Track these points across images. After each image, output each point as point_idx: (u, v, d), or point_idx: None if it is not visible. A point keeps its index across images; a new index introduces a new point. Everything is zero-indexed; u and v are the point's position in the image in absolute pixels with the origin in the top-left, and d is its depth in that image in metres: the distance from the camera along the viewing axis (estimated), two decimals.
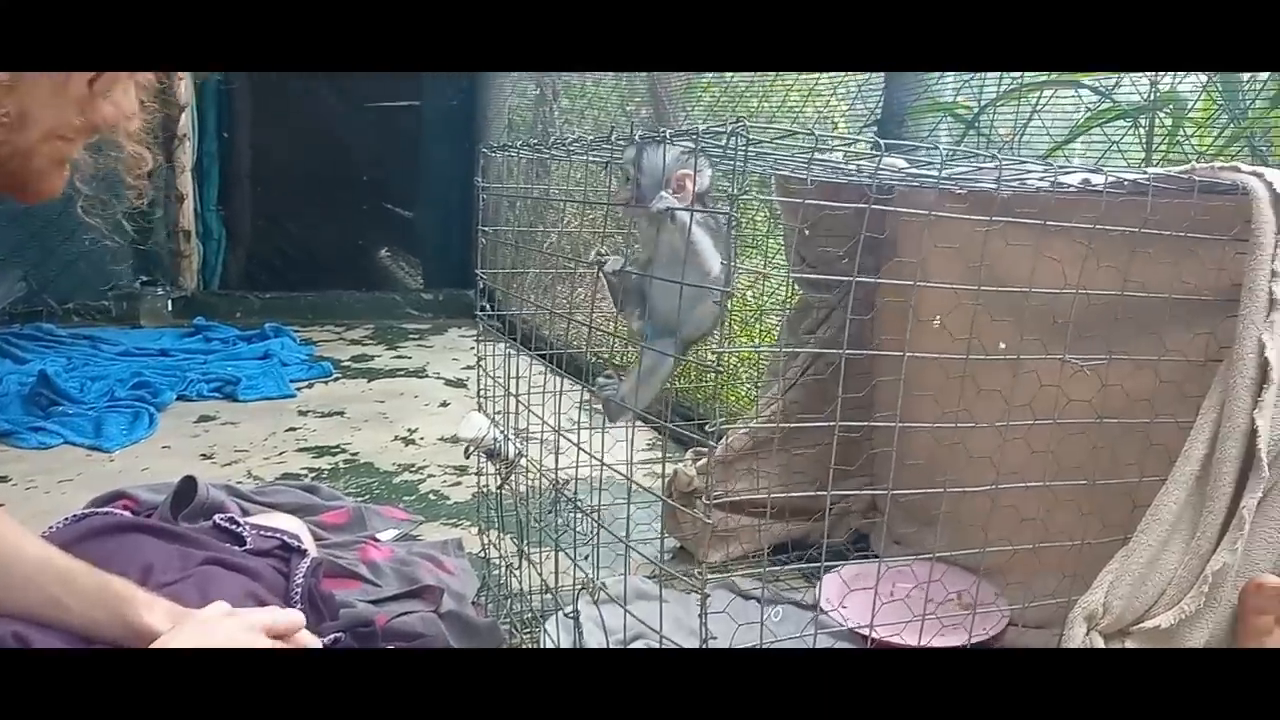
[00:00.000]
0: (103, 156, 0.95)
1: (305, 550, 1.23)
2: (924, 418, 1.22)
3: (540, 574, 1.28)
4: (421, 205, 4.52)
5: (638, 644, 1.29)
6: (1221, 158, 1.32)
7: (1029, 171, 1.04)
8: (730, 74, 2.59)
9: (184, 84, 3.85)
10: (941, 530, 1.10)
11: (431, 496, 1.99)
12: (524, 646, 1.36)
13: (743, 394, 2.19)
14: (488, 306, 1.44)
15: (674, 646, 0.96)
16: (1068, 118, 1.61)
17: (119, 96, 0.87)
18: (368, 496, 1.97)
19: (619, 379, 1.23)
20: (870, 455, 1.58)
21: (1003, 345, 1.14)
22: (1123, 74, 1.46)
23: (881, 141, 0.88)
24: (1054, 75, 1.56)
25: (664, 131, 1.00)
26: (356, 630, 1.24)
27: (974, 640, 1.13)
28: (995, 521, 1.06)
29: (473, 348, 1.46)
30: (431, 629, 1.31)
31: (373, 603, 1.37)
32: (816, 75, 2.22)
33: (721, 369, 0.87)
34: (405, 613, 1.34)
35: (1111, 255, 1.04)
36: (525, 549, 1.32)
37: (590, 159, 1.24)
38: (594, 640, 1.26)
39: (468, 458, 1.39)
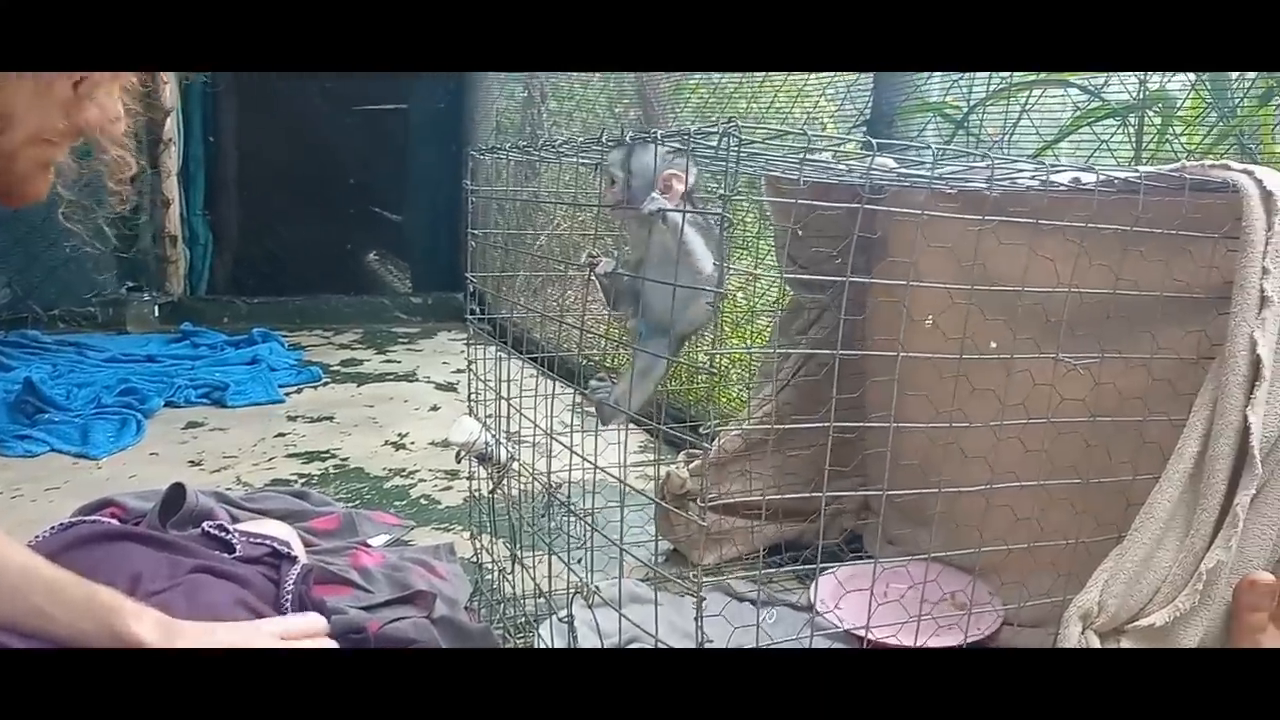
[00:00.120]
0: (86, 161, 0.94)
1: (295, 557, 1.22)
2: (917, 417, 1.21)
3: (533, 578, 1.27)
4: (409, 208, 4.50)
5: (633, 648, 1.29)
6: (1211, 155, 1.33)
7: (1020, 171, 1.04)
8: (718, 75, 2.59)
9: (169, 88, 3.83)
10: (936, 530, 1.09)
11: (423, 501, 1.98)
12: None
13: (734, 395, 2.19)
14: (477, 310, 1.43)
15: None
16: (1054, 118, 1.62)
17: (103, 99, 0.86)
18: (358, 502, 1.95)
19: (612, 382, 1.23)
20: (863, 455, 1.58)
21: (994, 344, 1.14)
22: (1112, 73, 1.47)
23: (874, 141, 0.87)
24: (1043, 75, 1.56)
25: (653, 132, 0.99)
26: (348, 637, 1.23)
27: (969, 640, 1.13)
28: (990, 521, 1.06)
29: (462, 351, 1.45)
30: (424, 635, 1.30)
31: (364, 609, 1.35)
32: (805, 76, 2.22)
33: (715, 371, 0.86)
34: (398, 619, 1.33)
35: (1104, 253, 1.04)
36: (518, 553, 1.31)
37: (580, 161, 1.24)
38: (588, 644, 1.26)
39: (459, 462, 1.39)
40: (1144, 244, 1.01)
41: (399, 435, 2.46)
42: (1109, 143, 1.48)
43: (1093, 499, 1.09)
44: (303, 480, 2.09)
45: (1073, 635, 0.94)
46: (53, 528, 1.12)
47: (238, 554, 1.18)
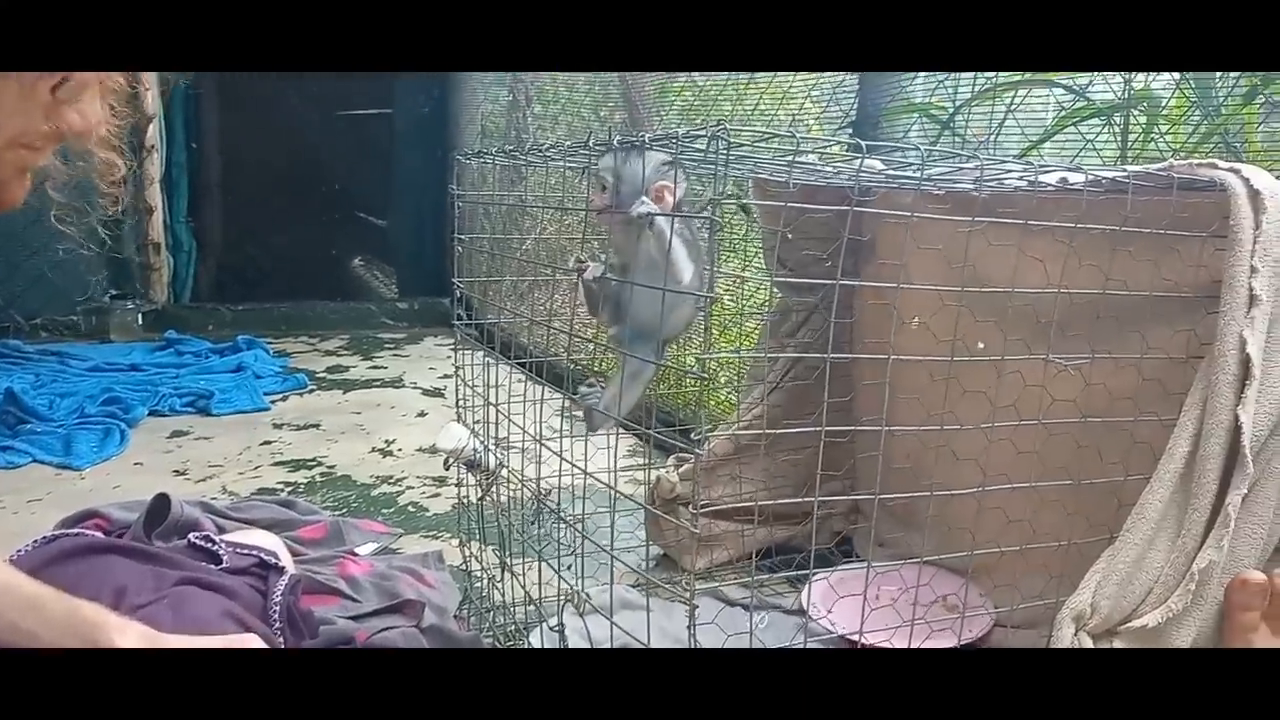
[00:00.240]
0: (74, 165, 0.93)
1: (283, 567, 1.21)
2: (907, 420, 1.21)
3: (523, 585, 1.26)
4: (395, 213, 4.49)
5: None
6: (1196, 154, 1.33)
7: (1009, 171, 1.04)
8: (702, 79, 2.59)
9: (151, 94, 3.80)
10: (928, 533, 1.09)
11: (411, 508, 1.97)
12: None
13: (723, 398, 2.19)
14: (464, 315, 1.42)
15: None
16: (1038, 120, 1.62)
17: (85, 104, 0.85)
18: (345, 510, 1.94)
19: (601, 387, 1.22)
20: (852, 458, 1.58)
21: (981, 345, 1.14)
22: (1098, 73, 1.47)
23: (863, 143, 0.87)
24: (1028, 75, 1.56)
25: (643, 137, 0.99)
26: (337, 647, 1.23)
27: (962, 643, 1.12)
28: (982, 523, 1.06)
29: (449, 356, 1.44)
30: (413, 644, 1.29)
31: (353, 619, 1.35)
32: (790, 79, 2.22)
33: (706, 375, 0.85)
34: (386, 628, 1.32)
35: (1093, 254, 1.03)
36: (507, 560, 1.30)
37: (567, 165, 1.23)
38: None
39: (447, 469, 1.38)
40: (1133, 244, 1.01)
41: (386, 442, 2.45)
42: (1094, 142, 1.48)
43: (1084, 500, 1.09)
44: (289, 489, 2.08)
45: (1065, 637, 0.94)
46: (35, 541, 1.11)
47: (224, 565, 1.17)
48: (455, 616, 1.44)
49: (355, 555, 1.60)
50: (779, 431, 1.27)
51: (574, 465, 1.08)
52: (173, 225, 4.04)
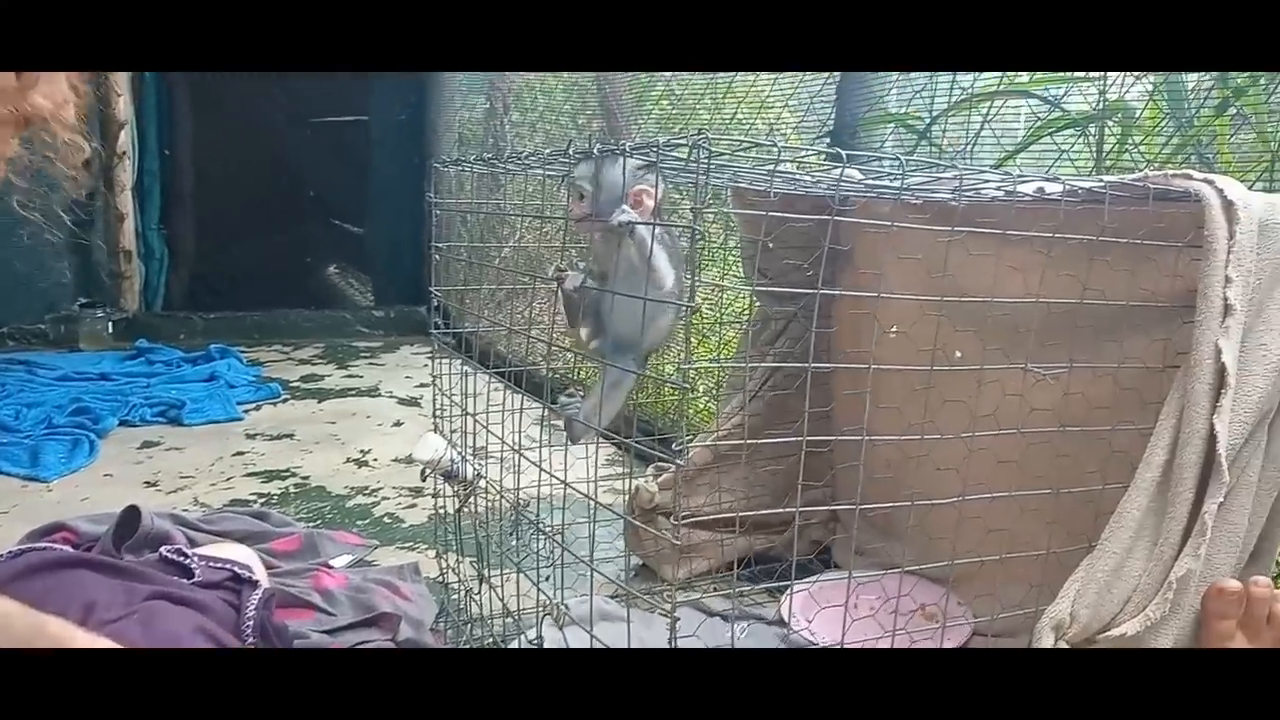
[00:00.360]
0: (37, 148, 0.91)
1: (256, 581, 1.20)
2: (886, 429, 1.21)
3: (501, 598, 1.25)
4: (371, 221, 4.46)
5: None
6: (1170, 165, 1.34)
7: (986, 181, 1.04)
8: (680, 89, 2.59)
9: (123, 100, 3.77)
10: (908, 542, 1.09)
11: (386, 520, 1.95)
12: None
13: (701, 407, 2.18)
14: (442, 324, 1.41)
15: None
16: (1012, 130, 1.63)
17: (50, 86, 0.83)
18: (320, 521, 1.92)
19: (581, 396, 1.21)
20: (832, 468, 1.58)
21: (959, 354, 1.14)
22: (1072, 83, 1.48)
23: (844, 153, 0.87)
24: (1004, 85, 1.58)
25: (622, 145, 0.98)
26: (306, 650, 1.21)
27: None
28: (962, 533, 1.06)
29: (426, 365, 1.43)
30: None
31: (327, 633, 1.33)
32: (767, 88, 2.23)
33: (688, 385, 0.85)
34: (361, 642, 1.31)
35: (1070, 263, 1.04)
36: (485, 572, 1.29)
37: (545, 173, 1.22)
38: None
39: (424, 480, 1.36)
40: (1109, 253, 1.02)
41: (361, 452, 2.43)
42: (1069, 152, 1.49)
43: (1063, 509, 1.09)
44: (262, 500, 2.05)
45: (1045, 646, 0.94)
46: (0, 556, 1.08)
47: (196, 579, 1.16)
48: (432, 630, 1.42)
49: (330, 568, 1.58)
50: (759, 441, 1.27)
51: (553, 475, 1.07)
52: (144, 232, 4.00)
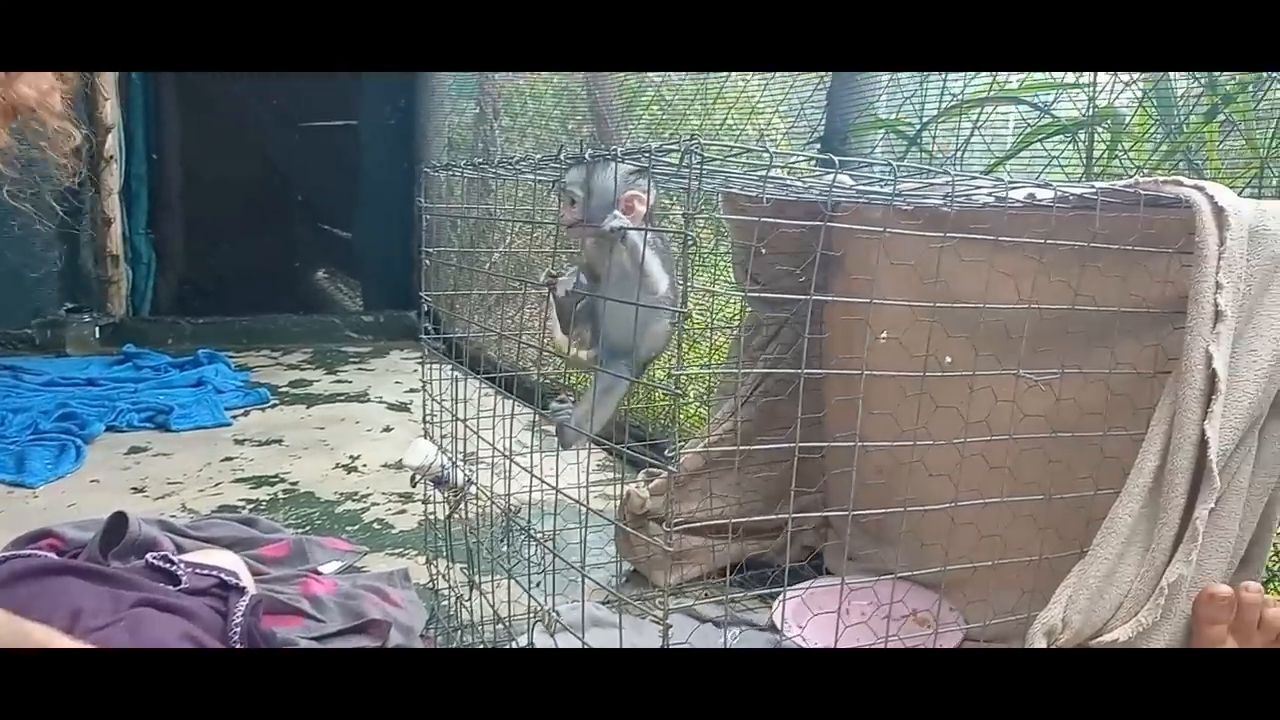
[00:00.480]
0: (28, 138, 0.90)
1: (244, 587, 1.19)
2: (878, 435, 1.21)
3: (492, 604, 1.24)
4: (360, 225, 4.45)
5: None
6: (1159, 171, 1.35)
7: (978, 187, 1.04)
8: (670, 93, 2.60)
9: (110, 104, 3.75)
10: (900, 548, 1.09)
11: (376, 526, 1.94)
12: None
13: (693, 412, 2.18)
14: (432, 329, 1.40)
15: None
16: (1001, 137, 1.63)
17: (32, 74, 0.82)
18: (309, 527, 1.91)
19: (572, 402, 1.21)
20: (824, 473, 1.58)
21: (949, 359, 1.15)
22: (1062, 89, 1.49)
23: (836, 158, 0.87)
24: (994, 90, 1.58)
25: (614, 150, 0.98)
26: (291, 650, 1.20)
27: None
28: (954, 538, 1.06)
29: (415, 370, 1.43)
30: None
31: (316, 639, 1.32)
32: (758, 93, 2.23)
33: (680, 391, 0.85)
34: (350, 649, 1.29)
35: (1062, 269, 1.04)
36: (476, 578, 1.29)
37: (536, 178, 1.22)
38: None
39: (414, 486, 1.36)
40: (1101, 259, 1.02)
41: (351, 458, 2.41)
42: (1059, 159, 1.50)
43: (1055, 515, 1.09)
44: (251, 506, 2.04)
45: None
46: None
47: (183, 586, 1.15)
48: (422, 636, 1.41)
49: (319, 574, 1.57)
50: (752, 448, 1.27)
51: (544, 481, 1.07)
52: (131, 237, 3.98)
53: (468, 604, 1.33)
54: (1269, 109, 1.25)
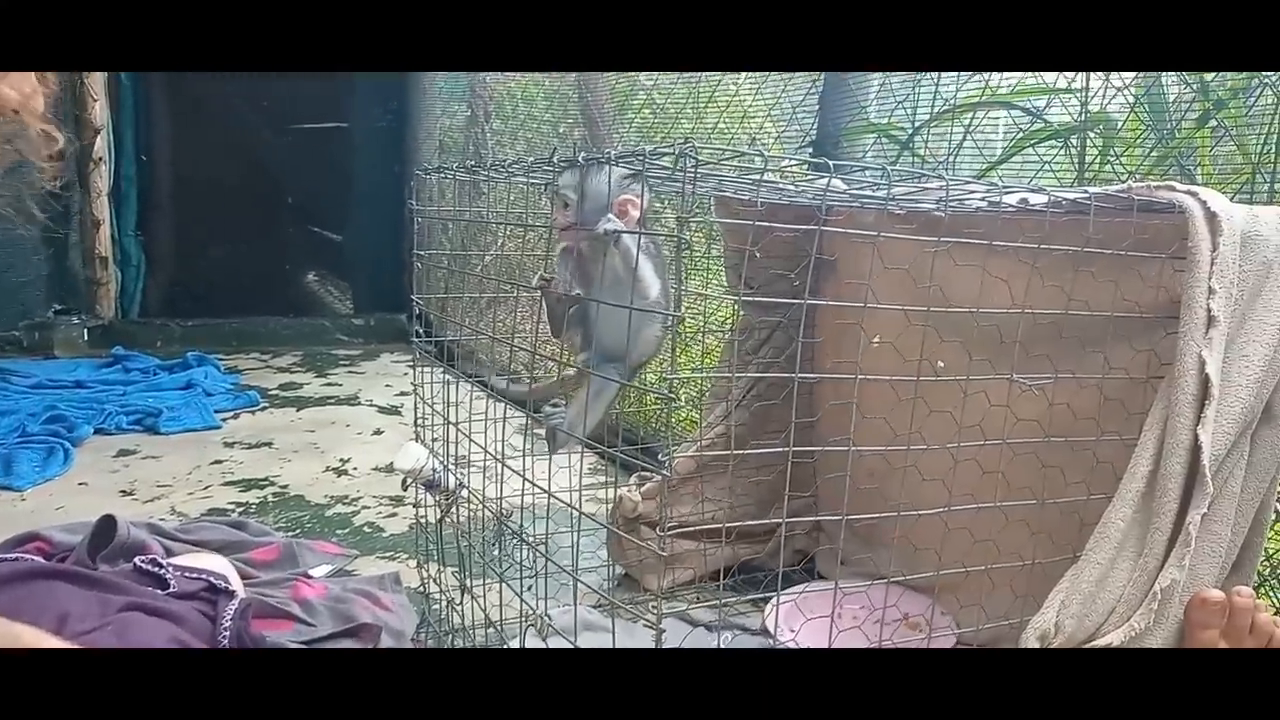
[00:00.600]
0: (14, 142, 0.89)
1: (233, 591, 1.18)
2: (870, 439, 1.21)
3: (483, 608, 1.24)
4: (350, 228, 4.44)
5: None
6: (1152, 177, 1.35)
7: (971, 192, 1.04)
8: (661, 97, 2.59)
9: (99, 106, 3.73)
10: (894, 552, 1.09)
11: (366, 529, 1.93)
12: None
13: (684, 416, 2.18)
14: (423, 332, 1.40)
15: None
16: (992, 142, 1.64)
17: (14, 78, 0.82)
18: (299, 531, 1.90)
19: (564, 406, 1.21)
20: (814, 477, 1.58)
21: (941, 364, 1.14)
22: (1054, 94, 1.49)
23: (830, 162, 0.87)
24: (986, 95, 1.58)
25: (608, 153, 0.98)
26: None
27: None
28: (947, 543, 1.05)
29: (406, 373, 1.42)
30: None
31: (306, 644, 1.31)
32: (749, 98, 2.23)
33: (672, 395, 0.84)
34: None
35: (1055, 274, 1.04)
36: (467, 582, 1.28)
37: (529, 181, 1.22)
38: None
39: (405, 489, 1.35)
40: (1094, 264, 1.02)
41: (341, 461, 2.40)
42: (1051, 164, 1.50)
43: (1048, 520, 1.09)
44: (240, 509, 2.03)
45: None
46: None
47: (172, 590, 1.14)
48: (413, 640, 1.41)
49: (309, 578, 1.56)
50: (745, 451, 1.27)
51: (535, 484, 1.07)
52: (121, 239, 3.96)
53: (459, 608, 1.32)
54: (1260, 115, 1.25)
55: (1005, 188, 1.01)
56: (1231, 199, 0.99)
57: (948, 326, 1.08)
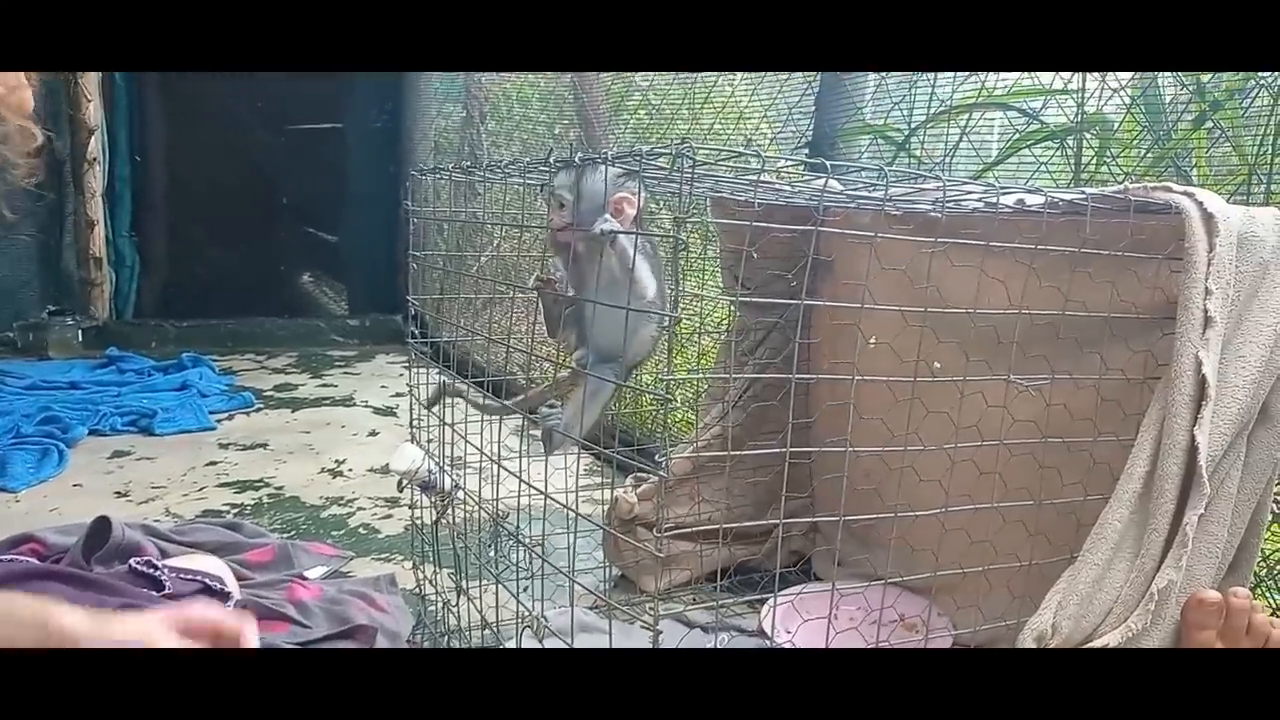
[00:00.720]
0: None
1: (228, 592, 1.18)
2: (866, 440, 1.21)
3: (479, 609, 1.23)
4: (345, 229, 4.43)
5: None
6: (1148, 178, 1.35)
7: (968, 193, 1.04)
8: (656, 98, 2.59)
9: (93, 106, 3.72)
10: (891, 554, 1.09)
11: (362, 530, 1.93)
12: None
13: (680, 417, 2.18)
14: (418, 333, 1.39)
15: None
16: (988, 144, 1.64)
17: None
18: (294, 532, 1.89)
19: (560, 407, 1.20)
20: (810, 478, 1.58)
21: (938, 365, 1.14)
22: (1050, 95, 1.49)
23: (827, 163, 0.87)
24: (982, 96, 1.58)
25: (604, 154, 0.98)
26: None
27: None
28: (944, 544, 1.05)
29: (401, 374, 1.42)
30: None
31: (301, 646, 1.31)
32: (745, 98, 2.23)
33: (670, 397, 0.84)
34: None
35: (1052, 275, 1.04)
36: (463, 583, 1.28)
37: (525, 182, 1.22)
38: None
39: (401, 490, 1.35)
40: (1091, 265, 1.02)
41: (336, 462, 2.40)
42: (1047, 165, 1.50)
43: (1045, 520, 1.09)
44: (235, 511, 2.02)
45: None
46: None
47: (167, 591, 1.14)
48: (408, 642, 1.40)
49: (304, 579, 1.56)
50: (742, 453, 1.26)
51: (531, 486, 1.06)
52: (115, 239, 3.95)
53: (455, 609, 1.32)
54: (1256, 116, 1.25)
55: (1002, 189, 1.01)
56: (1228, 200, 0.99)
57: (945, 327, 1.08)
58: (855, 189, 1.18)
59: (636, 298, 1.04)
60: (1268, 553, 1.28)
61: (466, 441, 1.25)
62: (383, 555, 1.79)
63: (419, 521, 1.38)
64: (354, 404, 3.08)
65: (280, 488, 2.18)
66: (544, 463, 1.11)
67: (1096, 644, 0.95)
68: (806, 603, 1.34)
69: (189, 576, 1.18)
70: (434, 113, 3.98)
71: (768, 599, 1.40)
